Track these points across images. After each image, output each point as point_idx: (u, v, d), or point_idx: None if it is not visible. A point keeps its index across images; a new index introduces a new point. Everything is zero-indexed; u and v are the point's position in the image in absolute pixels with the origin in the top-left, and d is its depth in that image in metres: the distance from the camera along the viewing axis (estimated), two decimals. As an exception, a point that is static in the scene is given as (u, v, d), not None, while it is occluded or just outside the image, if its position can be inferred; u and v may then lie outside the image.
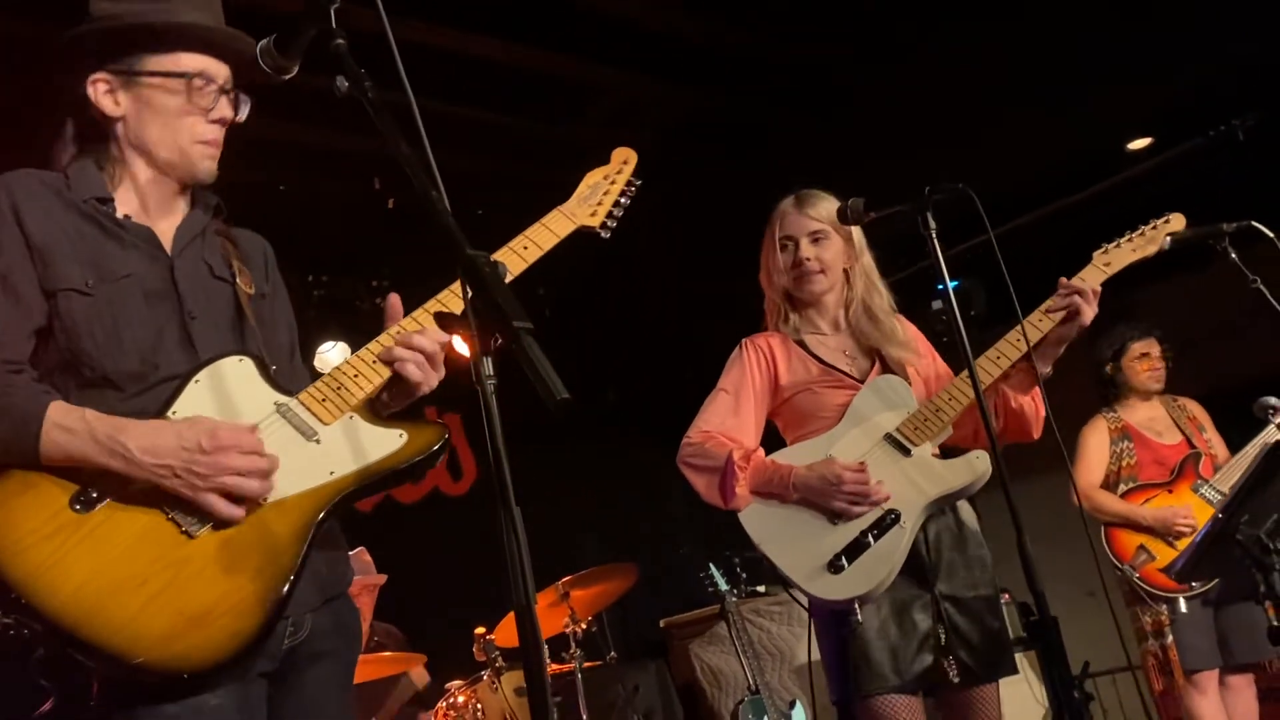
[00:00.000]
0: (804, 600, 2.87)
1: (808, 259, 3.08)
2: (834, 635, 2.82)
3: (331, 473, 1.87)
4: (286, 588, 1.75)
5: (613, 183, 2.38)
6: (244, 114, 2.09)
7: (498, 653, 4.86)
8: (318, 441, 1.89)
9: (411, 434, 1.94)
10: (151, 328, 1.91)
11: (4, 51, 4.27)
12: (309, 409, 1.92)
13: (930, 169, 5.61)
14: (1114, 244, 3.04)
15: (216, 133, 2.05)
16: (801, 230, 3.10)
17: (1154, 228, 3.06)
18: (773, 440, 3.10)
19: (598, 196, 2.34)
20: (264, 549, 1.77)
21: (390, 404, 2.05)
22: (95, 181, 1.99)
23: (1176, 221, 3.07)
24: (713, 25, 5.25)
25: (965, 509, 2.96)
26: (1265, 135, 5.35)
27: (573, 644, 4.98)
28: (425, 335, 1.97)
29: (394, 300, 2.06)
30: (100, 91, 1.99)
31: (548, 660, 5.28)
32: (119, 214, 1.99)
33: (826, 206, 3.10)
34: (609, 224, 2.32)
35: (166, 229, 2.04)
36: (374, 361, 1.96)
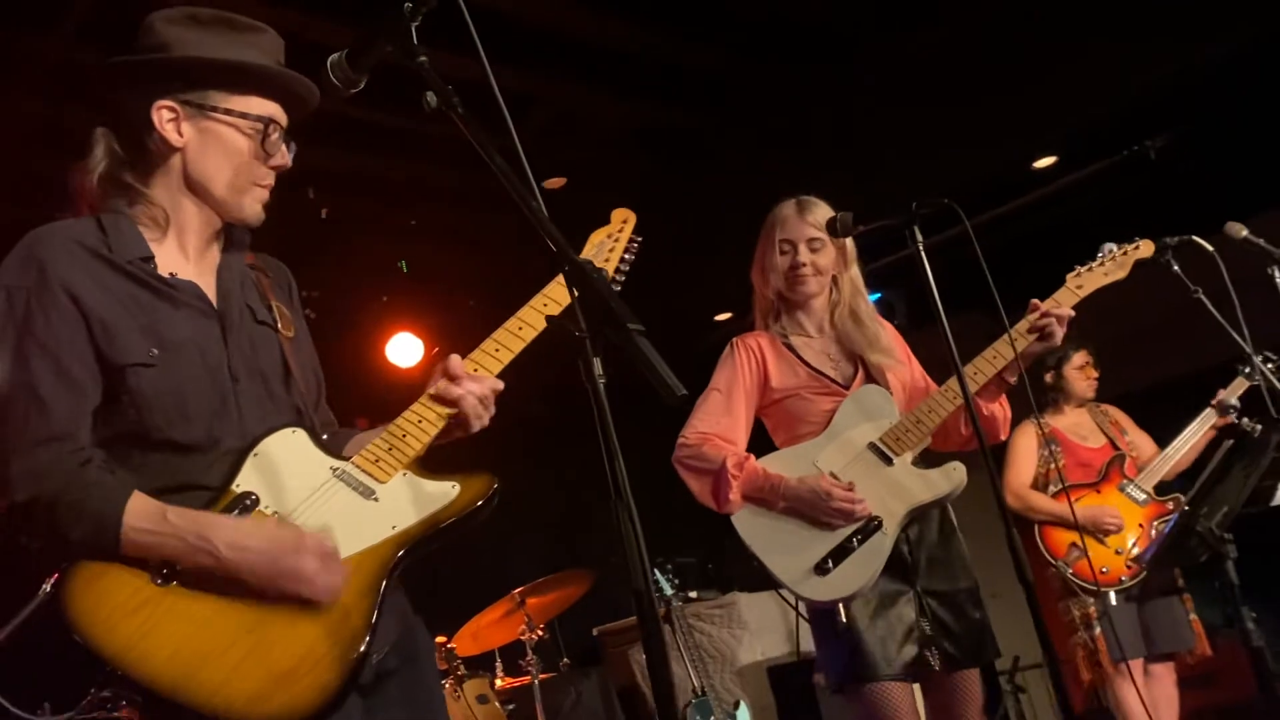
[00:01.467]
0: (791, 599, 3.02)
1: (804, 264, 3.21)
2: (828, 631, 2.96)
3: (394, 527, 1.92)
4: (364, 646, 1.80)
5: (616, 240, 2.46)
6: (290, 160, 2.09)
7: (459, 661, 4.90)
8: (376, 500, 1.94)
9: (464, 485, 2.00)
10: (213, 394, 1.92)
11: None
12: (364, 470, 1.96)
13: (841, 183, 5.86)
14: (1086, 267, 3.21)
15: (273, 178, 2.06)
16: (801, 236, 3.23)
17: (1124, 253, 3.25)
18: (759, 437, 3.24)
19: (604, 255, 2.43)
20: (339, 607, 1.82)
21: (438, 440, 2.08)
22: (134, 238, 1.95)
23: (1146, 248, 3.27)
24: (647, 35, 5.38)
25: (946, 509, 3.12)
26: (1176, 155, 5.68)
27: (529, 651, 5.04)
28: (479, 380, 2.04)
29: (454, 360, 2.07)
30: (165, 119, 1.95)
31: (500, 674, 5.37)
32: (164, 272, 1.95)
33: (824, 213, 3.24)
34: (617, 279, 2.41)
35: (208, 277, 2.02)
36: (434, 404, 2.01)
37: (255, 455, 1.91)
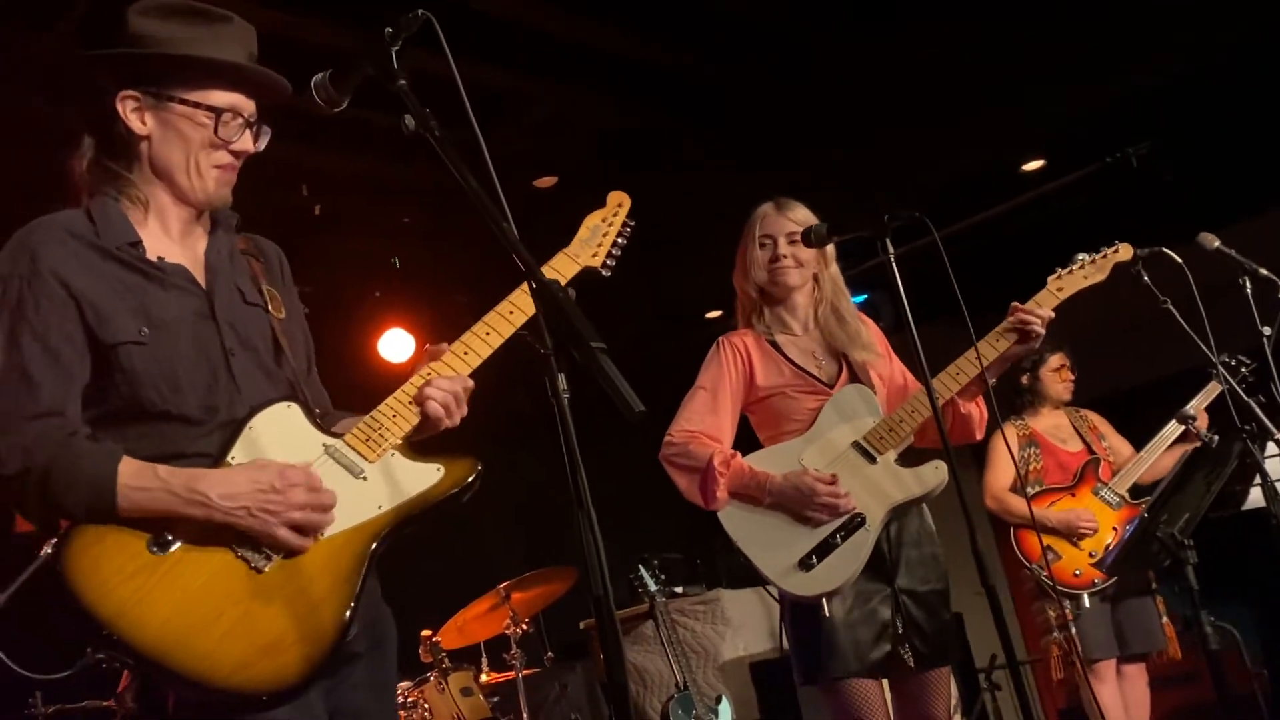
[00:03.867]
0: (775, 592, 3.12)
1: (784, 255, 3.28)
2: (803, 624, 3.05)
3: (380, 507, 2.01)
4: (348, 614, 1.90)
5: (610, 225, 2.52)
6: (263, 144, 2.18)
7: (444, 654, 4.99)
8: (365, 478, 2.02)
9: (448, 467, 2.08)
10: (205, 368, 2.00)
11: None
12: (354, 449, 2.04)
13: (835, 184, 5.94)
14: (1067, 270, 3.29)
15: (234, 161, 2.13)
16: (780, 230, 3.31)
17: (1104, 256, 3.32)
18: (744, 435, 3.31)
19: (597, 238, 2.48)
20: (325, 581, 1.91)
21: (416, 435, 2.16)
22: (121, 223, 2.04)
23: (1124, 251, 3.35)
24: (640, 39, 5.45)
25: (922, 509, 3.20)
26: (1158, 163, 5.76)
27: (513, 645, 5.12)
28: (452, 379, 2.13)
29: (439, 348, 2.18)
30: (129, 109, 2.05)
31: (485, 668, 5.46)
32: (152, 256, 2.04)
33: (803, 213, 3.34)
34: (609, 263, 2.47)
35: (195, 259, 2.11)
36: (409, 402, 2.09)
37: (250, 429, 1.99)
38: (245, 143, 2.13)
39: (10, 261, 1.96)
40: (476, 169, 1.81)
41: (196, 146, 2.07)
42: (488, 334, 2.20)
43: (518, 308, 2.21)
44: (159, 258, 2.05)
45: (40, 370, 1.89)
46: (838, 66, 5.75)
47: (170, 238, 2.10)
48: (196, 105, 2.07)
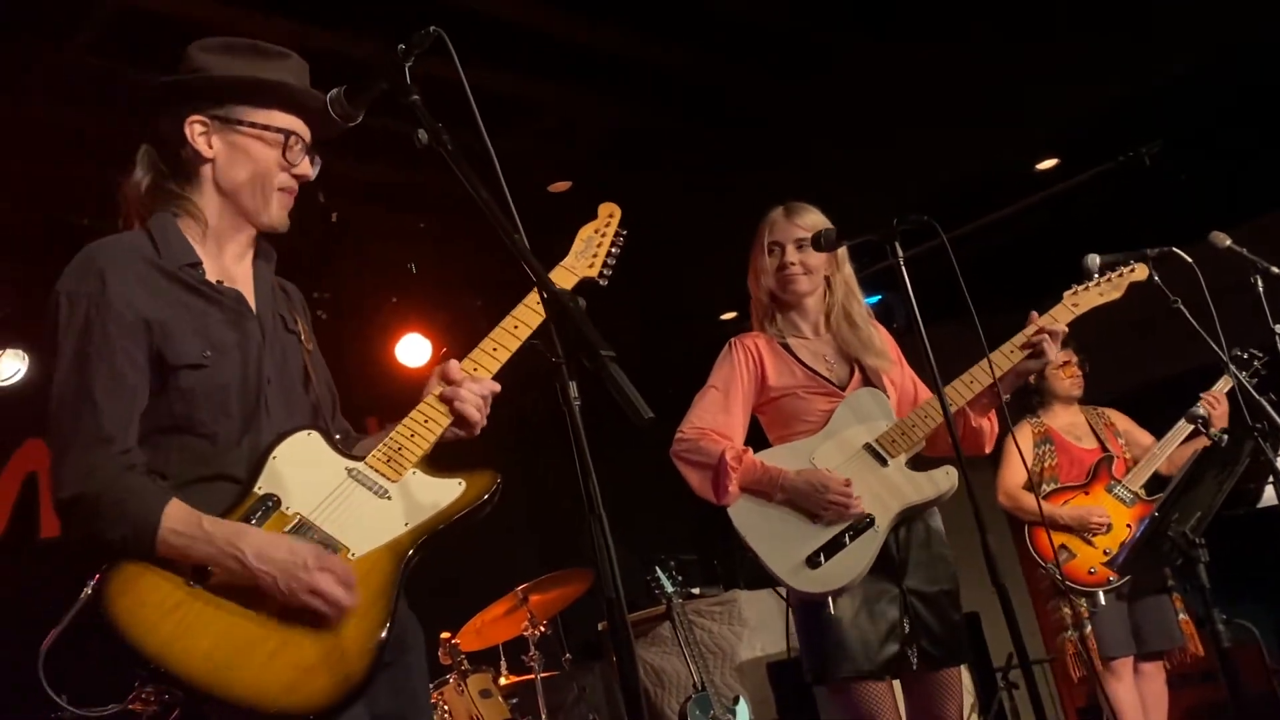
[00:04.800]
0: (783, 593, 3.15)
1: (792, 263, 3.30)
2: (812, 624, 3.07)
3: (406, 524, 2.07)
4: (384, 633, 1.95)
5: (604, 236, 2.57)
6: (315, 172, 2.26)
7: (463, 657, 5.03)
8: (389, 498, 2.08)
9: (469, 481, 2.15)
10: (250, 394, 2.07)
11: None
12: (376, 469, 2.10)
13: (846, 184, 5.96)
14: (1083, 286, 3.35)
15: (295, 185, 2.22)
16: (789, 237, 3.33)
17: (1120, 275, 3.38)
18: (754, 435, 3.33)
19: (592, 249, 2.53)
20: (360, 603, 1.95)
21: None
22: (181, 244, 2.10)
23: (1140, 271, 3.41)
24: (656, 43, 5.48)
25: (931, 511, 3.23)
26: (1171, 161, 5.76)
27: (531, 647, 5.17)
28: (481, 383, 2.18)
29: (452, 366, 2.21)
30: (196, 133, 2.12)
31: (504, 670, 5.50)
32: (211, 278, 2.10)
33: (813, 218, 3.35)
34: (605, 273, 2.51)
35: (246, 284, 2.18)
36: (438, 406, 2.15)
37: (274, 458, 2.03)
38: (305, 167, 2.21)
39: (77, 280, 2.01)
40: (487, 178, 1.85)
41: (264, 168, 2.15)
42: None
43: (522, 321, 2.27)
44: (218, 280, 2.12)
45: (104, 394, 1.94)
46: (851, 66, 5.77)
47: (225, 260, 2.16)
48: (265, 127, 2.15)
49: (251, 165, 2.14)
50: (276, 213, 2.20)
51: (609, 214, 2.62)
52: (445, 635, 5.08)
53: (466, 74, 1.94)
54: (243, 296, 2.14)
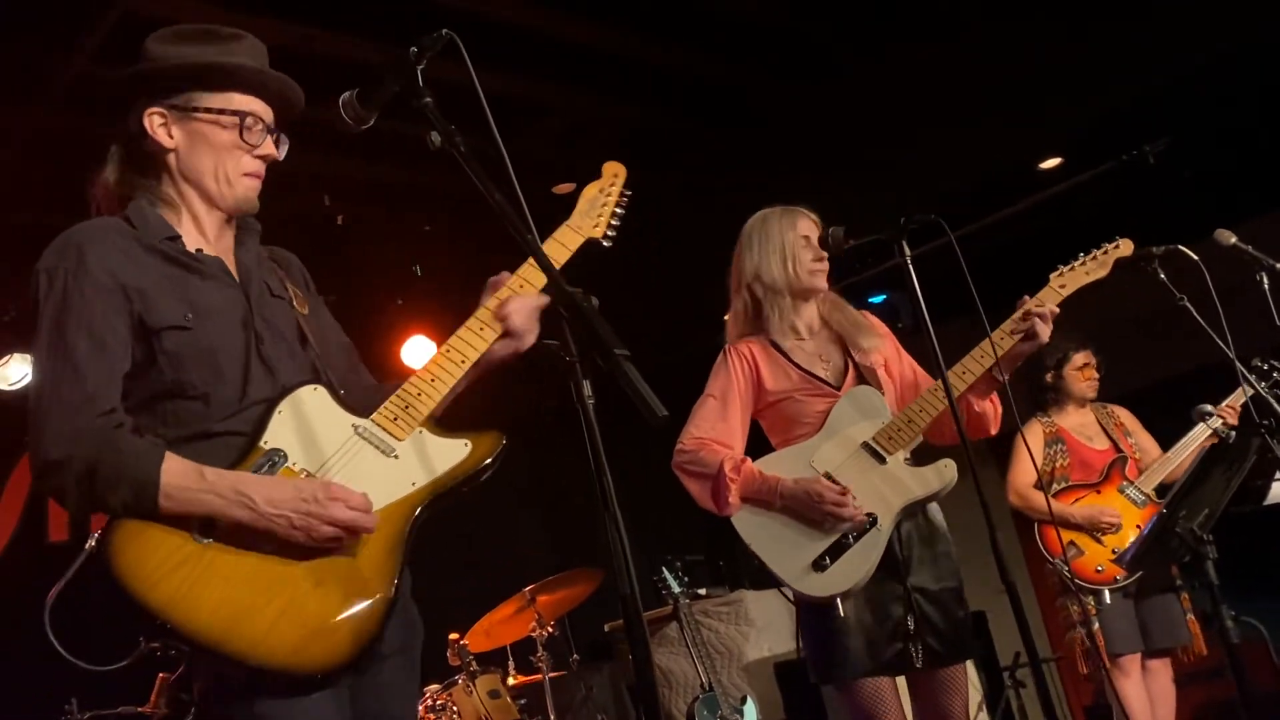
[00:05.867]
0: (790, 594, 3.15)
1: (822, 256, 3.32)
2: (817, 625, 3.08)
3: (413, 484, 2.07)
4: (394, 590, 1.96)
5: (609, 196, 2.55)
6: (284, 153, 2.26)
7: (471, 657, 5.05)
8: (396, 457, 2.08)
9: (475, 442, 2.14)
10: (240, 353, 2.08)
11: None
12: (383, 428, 2.10)
13: (849, 185, 5.97)
14: (1068, 267, 3.34)
15: (260, 167, 2.22)
16: (814, 232, 3.36)
17: (1105, 252, 3.37)
18: (756, 439, 3.35)
19: (597, 209, 2.51)
20: (368, 562, 1.97)
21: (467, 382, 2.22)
22: (159, 222, 2.13)
23: (1125, 247, 3.39)
24: (665, 47, 5.50)
25: (934, 508, 3.24)
26: (1175, 160, 5.76)
27: (539, 647, 5.18)
28: (527, 297, 2.22)
29: (499, 278, 2.28)
30: (155, 124, 2.14)
31: (512, 670, 5.51)
32: (190, 249, 2.14)
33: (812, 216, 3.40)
34: (609, 234, 2.50)
35: (228, 257, 2.20)
36: (490, 320, 2.19)
37: (280, 412, 2.04)
38: (269, 148, 2.21)
39: (57, 256, 2.03)
40: (498, 179, 1.86)
41: (224, 152, 2.16)
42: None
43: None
44: (198, 249, 2.14)
45: (86, 359, 1.95)
46: (854, 67, 5.79)
47: (204, 237, 2.18)
48: (221, 111, 2.15)
49: (211, 152, 2.15)
50: (243, 195, 2.20)
51: (614, 173, 2.61)
52: (454, 636, 5.10)
53: (477, 78, 1.95)
54: (222, 263, 2.16)
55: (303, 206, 6.17)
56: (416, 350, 6.91)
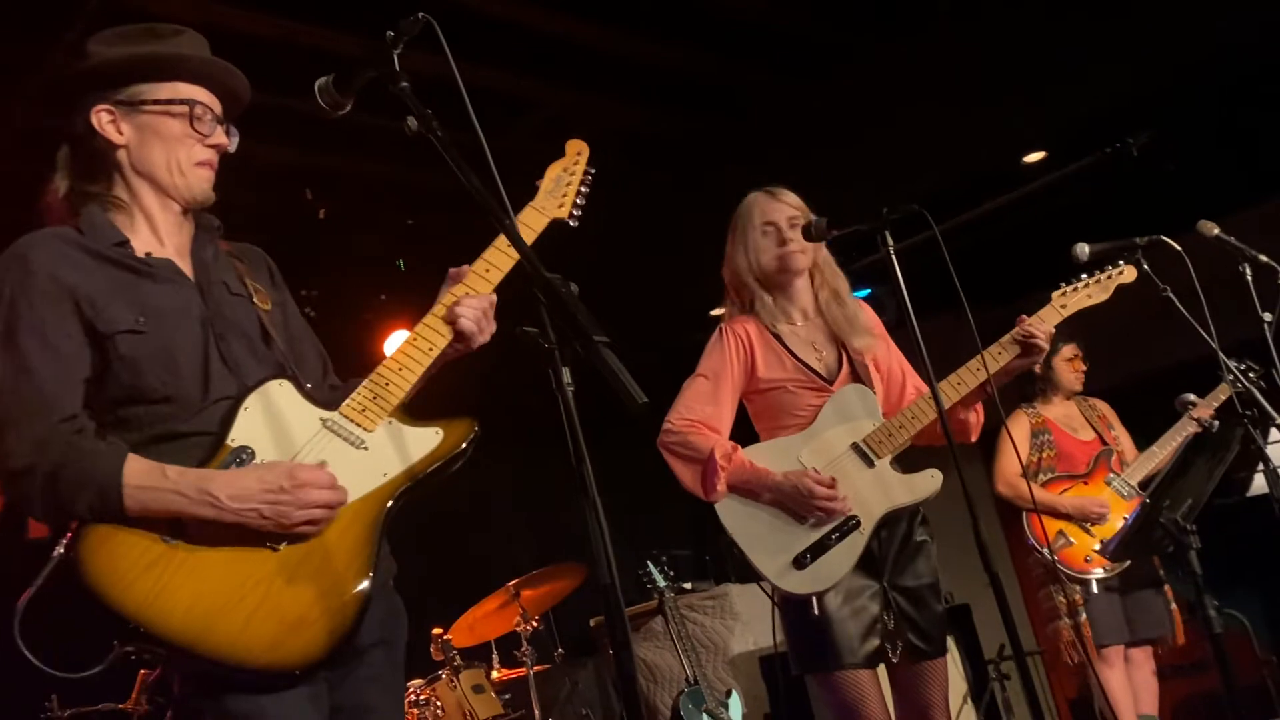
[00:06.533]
0: (768, 589, 3.13)
1: (791, 239, 3.26)
2: (796, 619, 3.09)
3: (384, 475, 2.05)
4: (368, 584, 1.94)
5: (573, 175, 2.51)
6: (234, 145, 2.24)
7: (455, 652, 5.02)
8: (366, 448, 2.06)
9: (447, 430, 2.13)
10: (199, 353, 2.06)
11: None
12: (352, 420, 2.08)
13: (834, 181, 5.96)
14: (1070, 287, 3.39)
15: (213, 156, 2.19)
16: (781, 215, 3.30)
17: (1109, 276, 3.42)
18: (742, 423, 3.32)
19: (561, 189, 2.47)
20: (341, 555, 1.95)
21: (434, 370, 2.22)
22: (107, 228, 2.10)
23: (1129, 273, 3.44)
24: (647, 41, 5.49)
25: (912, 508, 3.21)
26: (1159, 152, 5.77)
27: (524, 642, 5.16)
28: (479, 297, 2.20)
29: (460, 270, 2.26)
30: (104, 121, 2.12)
31: (496, 665, 5.50)
32: (140, 253, 2.11)
33: (795, 198, 3.35)
34: (575, 213, 2.47)
35: (183, 256, 2.17)
36: (441, 320, 2.17)
37: (246, 409, 2.02)
38: (220, 137, 2.19)
39: (3, 268, 2.01)
40: (480, 170, 1.84)
41: (175, 143, 2.14)
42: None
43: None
44: (146, 254, 2.11)
45: (40, 365, 1.94)
46: (838, 63, 5.79)
47: (157, 238, 2.16)
48: (169, 101, 2.14)
49: (163, 144, 2.13)
50: (198, 187, 2.17)
51: (576, 151, 2.57)
52: (437, 631, 5.07)
53: (461, 71, 1.93)
54: (174, 264, 2.14)
55: (285, 200, 6.13)
56: (399, 344, 6.86)
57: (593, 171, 2.54)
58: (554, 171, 2.52)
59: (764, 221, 3.32)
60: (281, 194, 6.02)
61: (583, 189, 2.50)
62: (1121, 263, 3.45)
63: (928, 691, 3.09)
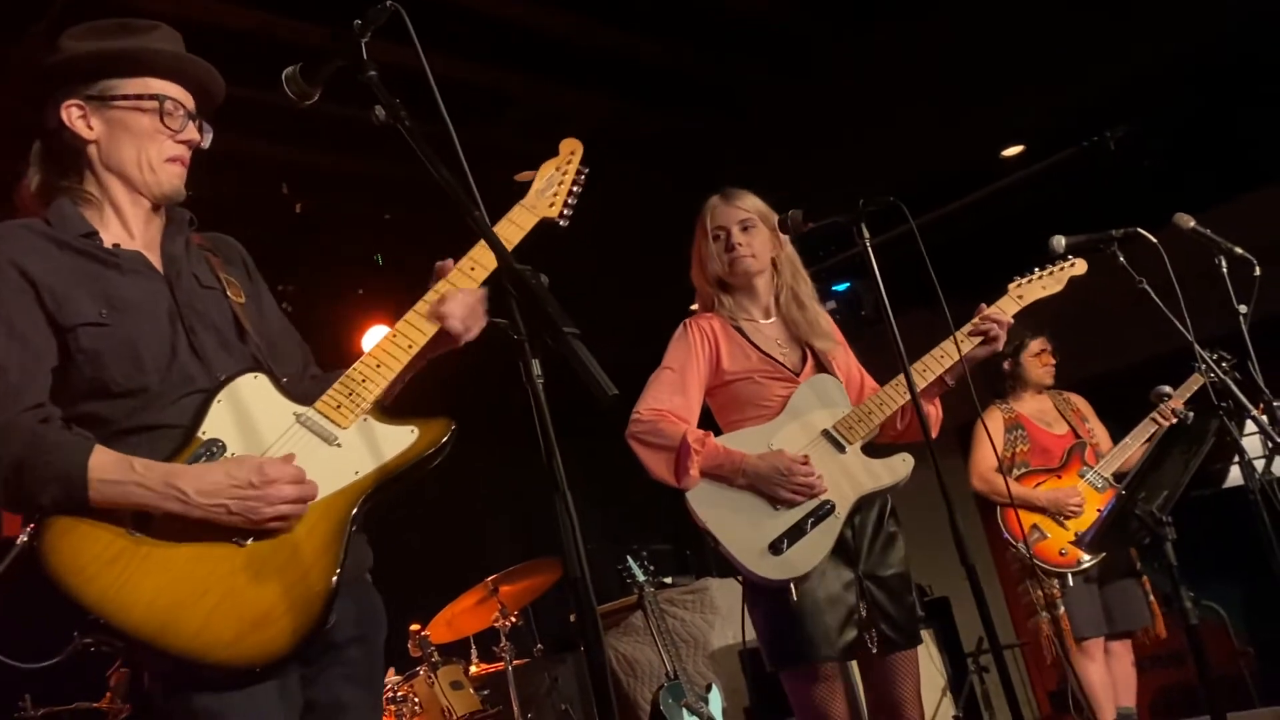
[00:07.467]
0: (740, 580, 3.11)
1: (739, 244, 3.30)
2: (771, 611, 3.06)
3: (356, 472, 2.01)
4: (335, 581, 1.90)
5: (565, 174, 2.48)
6: (207, 141, 2.21)
7: (433, 648, 5.00)
8: (339, 445, 2.02)
9: (422, 429, 2.08)
10: (166, 345, 2.03)
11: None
12: (326, 416, 2.05)
13: (813, 175, 5.96)
14: (1025, 279, 3.43)
15: (184, 152, 2.17)
16: (731, 220, 3.33)
17: (1060, 269, 3.47)
18: (704, 422, 3.30)
19: (553, 188, 2.44)
20: (309, 552, 1.92)
21: (417, 365, 2.18)
22: (76, 219, 2.08)
23: (1080, 266, 3.50)
24: (627, 35, 5.46)
25: (884, 495, 3.22)
26: (1135, 146, 5.80)
27: (503, 638, 5.14)
28: (466, 292, 2.17)
29: (445, 265, 2.23)
30: (74, 116, 2.09)
31: (475, 660, 5.48)
32: (108, 244, 2.08)
33: (752, 200, 3.36)
34: (565, 213, 2.44)
35: (153, 250, 2.15)
36: (419, 319, 2.13)
37: (219, 401, 1.99)
38: (191, 133, 2.17)
39: None
40: (450, 160, 1.82)
41: (145, 139, 2.11)
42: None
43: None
44: (115, 245, 2.09)
45: (6, 355, 1.91)
46: (816, 57, 5.77)
47: (127, 232, 2.13)
48: (139, 96, 2.11)
49: (133, 140, 2.11)
50: (168, 183, 2.15)
51: (570, 150, 2.55)
52: (415, 627, 5.05)
53: (441, 64, 1.90)
54: (143, 256, 2.11)
55: (262, 195, 6.09)
56: (377, 339, 6.83)
57: (585, 171, 2.52)
58: (546, 170, 2.50)
59: (714, 227, 3.36)
60: (258, 188, 5.98)
61: (575, 189, 2.48)
62: (1072, 256, 3.50)
63: (900, 683, 3.08)
